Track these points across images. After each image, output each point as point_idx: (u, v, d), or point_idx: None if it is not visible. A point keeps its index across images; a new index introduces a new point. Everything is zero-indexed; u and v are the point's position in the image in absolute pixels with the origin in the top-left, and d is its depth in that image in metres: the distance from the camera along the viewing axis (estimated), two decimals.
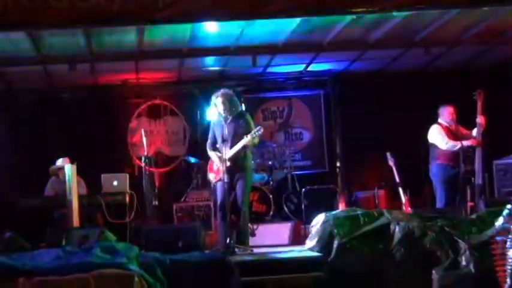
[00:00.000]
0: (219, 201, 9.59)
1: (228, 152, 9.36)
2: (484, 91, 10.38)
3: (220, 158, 9.48)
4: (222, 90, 9.76)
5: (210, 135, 9.84)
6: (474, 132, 10.47)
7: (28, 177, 12.39)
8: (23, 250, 8.60)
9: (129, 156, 13.64)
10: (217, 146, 9.66)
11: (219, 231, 9.70)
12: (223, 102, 9.55)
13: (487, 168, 10.72)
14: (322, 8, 9.34)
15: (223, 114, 9.53)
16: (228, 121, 9.53)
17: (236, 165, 9.46)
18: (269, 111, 14.39)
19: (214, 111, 9.73)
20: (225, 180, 9.30)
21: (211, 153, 9.75)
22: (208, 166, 10.03)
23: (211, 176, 9.94)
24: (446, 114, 10.85)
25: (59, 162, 11.37)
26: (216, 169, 9.68)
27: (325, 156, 14.40)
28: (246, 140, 9.40)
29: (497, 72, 13.02)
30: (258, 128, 9.51)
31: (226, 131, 9.45)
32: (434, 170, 10.78)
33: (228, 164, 9.33)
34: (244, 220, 9.58)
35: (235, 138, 9.47)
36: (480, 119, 10.35)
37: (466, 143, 10.42)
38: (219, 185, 9.62)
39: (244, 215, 9.54)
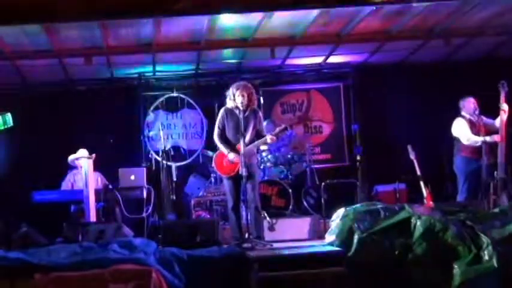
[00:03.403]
0: (233, 198, 9.48)
1: (245, 146, 9.24)
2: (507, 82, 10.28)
3: (234, 151, 9.37)
4: (243, 83, 9.66)
5: (219, 126, 9.63)
6: (497, 121, 10.37)
7: (44, 171, 12.33)
8: (39, 245, 8.55)
9: (146, 150, 13.55)
10: (229, 138, 9.52)
11: (234, 227, 9.57)
12: (246, 95, 9.43)
13: (510, 161, 10.61)
14: None
15: (242, 108, 9.38)
16: (245, 115, 9.40)
17: (249, 160, 9.37)
18: (288, 104, 14.27)
19: (231, 102, 9.54)
20: (244, 173, 9.17)
21: (222, 146, 9.56)
22: (215, 162, 9.78)
23: (221, 171, 9.76)
24: (468, 106, 10.76)
25: (79, 153, 11.31)
26: (227, 164, 9.52)
27: (345, 150, 14.27)
28: (269, 138, 9.42)
29: None
30: (283, 127, 9.52)
31: (242, 125, 9.32)
32: (458, 162, 10.71)
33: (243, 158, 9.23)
34: (259, 215, 9.53)
35: (252, 133, 9.42)
36: (504, 106, 10.27)
37: (489, 139, 10.36)
38: (232, 181, 9.50)
39: (258, 209, 9.46)
